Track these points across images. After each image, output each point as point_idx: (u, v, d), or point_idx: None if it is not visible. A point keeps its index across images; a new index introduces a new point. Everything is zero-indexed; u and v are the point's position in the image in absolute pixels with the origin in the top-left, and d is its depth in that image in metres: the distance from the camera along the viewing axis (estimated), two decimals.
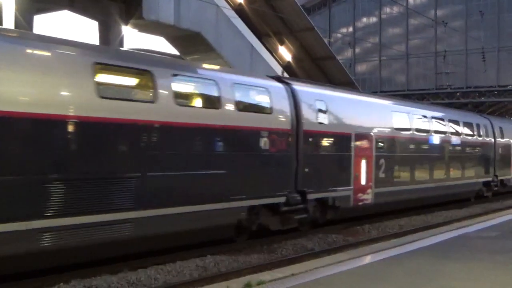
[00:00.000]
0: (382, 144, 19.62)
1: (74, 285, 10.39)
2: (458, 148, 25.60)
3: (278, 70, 30.24)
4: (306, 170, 15.72)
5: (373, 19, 64.05)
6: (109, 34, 22.03)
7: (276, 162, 14.87)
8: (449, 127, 24.96)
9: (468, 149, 26.38)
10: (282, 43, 29.58)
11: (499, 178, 29.46)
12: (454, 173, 24.99)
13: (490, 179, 28.36)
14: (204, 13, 23.39)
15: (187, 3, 22.41)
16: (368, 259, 11.04)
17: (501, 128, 30.11)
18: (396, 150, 20.66)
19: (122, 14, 21.62)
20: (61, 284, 10.38)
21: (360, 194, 18.21)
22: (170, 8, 21.74)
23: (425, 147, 22.92)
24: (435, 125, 23.92)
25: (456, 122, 25.80)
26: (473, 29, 56.77)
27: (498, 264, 10.18)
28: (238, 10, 27.17)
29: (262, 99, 15.08)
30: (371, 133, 18.99)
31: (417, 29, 60.63)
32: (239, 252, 13.83)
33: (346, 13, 63.82)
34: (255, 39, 28.34)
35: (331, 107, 17.14)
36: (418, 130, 22.22)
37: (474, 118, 28.33)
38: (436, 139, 23.69)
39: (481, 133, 27.72)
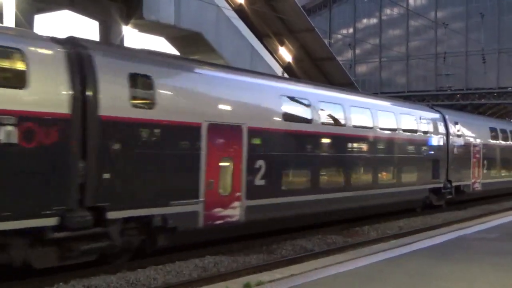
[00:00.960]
0: (260, 140, 14.74)
1: (73, 284, 10.41)
2: (392, 147, 20.72)
3: (279, 70, 30.26)
4: (106, 176, 11.02)
5: (374, 20, 64.07)
6: (109, 34, 22.04)
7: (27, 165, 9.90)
8: (379, 120, 19.88)
9: (408, 149, 21.76)
10: (282, 44, 29.60)
11: (454, 183, 24.76)
12: (385, 178, 20.51)
13: (440, 185, 23.82)
14: (204, 14, 23.41)
15: (187, 4, 22.42)
16: (367, 260, 11.04)
17: (457, 123, 25.76)
18: (287, 148, 15.77)
19: (122, 14, 21.64)
20: (61, 283, 10.40)
21: (218, 209, 13.40)
22: (170, 9, 21.75)
23: (337, 144, 17.91)
24: (356, 116, 18.77)
25: (390, 114, 21.04)
26: (474, 30, 56.78)
27: (496, 266, 10.19)
28: (239, 10, 27.19)
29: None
30: (241, 125, 14.07)
31: (418, 31, 60.68)
32: (239, 253, 13.84)
33: (346, 14, 63.85)
34: (256, 40, 28.35)
35: (161, 84, 12.37)
36: (326, 122, 17.55)
37: (418, 110, 23.54)
38: (356, 135, 18.77)
39: (428, 129, 23.16)
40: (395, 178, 20.98)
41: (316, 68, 30.87)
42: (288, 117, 15.80)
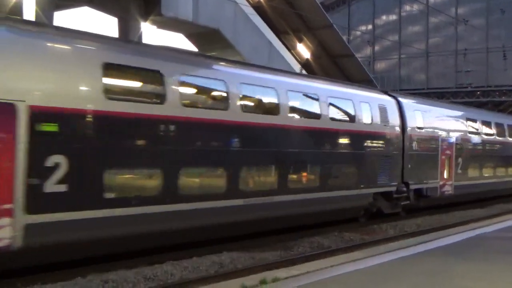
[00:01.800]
0: (56, 127, 10.14)
1: (91, 279, 10.50)
2: (312, 140, 16.14)
3: (297, 67, 30.22)
4: None
5: (393, 17, 63.65)
6: (128, 31, 22.16)
7: None
8: (288, 103, 15.22)
9: (338, 143, 17.22)
10: (300, 41, 29.54)
11: (413, 186, 20.40)
12: (300, 181, 15.86)
13: (391, 188, 19.45)
14: (222, 10, 23.44)
15: (205, 0, 22.47)
16: (384, 258, 10.99)
17: (417, 113, 21.27)
18: (108, 138, 11.10)
19: (141, 10, 21.73)
20: (79, 278, 10.50)
21: None
22: (188, 5, 21.82)
23: (207, 134, 13.00)
24: (261, 100, 15.00)
25: (313, 97, 16.34)
26: (494, 27, 56.17)
27: None
28: (257, 7, 27.19)
29: None
30: (15, 102, 9.58)
31: (438, 27, 60.16)
32: (255, 249, 13.86)
33: (365, 11, 63.46)
34: (274, 36, 28.33)
35: None
36: (210, 105, 13.54)
37: (357, 93, 18.59)
38: (245, 123, 13.83)
39: (373, 118, 18.44)
40: (316, 181, 16.17)
41: (335, 65, 30.77)
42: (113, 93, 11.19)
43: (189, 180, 12.66)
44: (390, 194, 19.40)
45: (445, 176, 22.57)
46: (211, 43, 24.08)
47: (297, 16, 27.87)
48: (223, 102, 13.41)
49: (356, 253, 12.59)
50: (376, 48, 63.21)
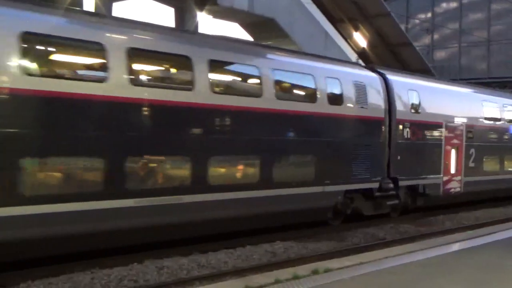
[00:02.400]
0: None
1: (147, 265, 10.75)
2: (255, 124, 13.14)
3: (353, 56, 29.90)
4: None
5: (453, 4, 62.03)
6: (184, 21, 22.38)
7: None
8: (215, 76, 12.62)
9: (290, 128, 14.02)
10: (356, 29, 29.15)
11: (403, 182, 17.05)
12: (237, 175, 13.06)
13: (373, 185, 16.07)
14: None
15: None
16: (439, 251, 10.81)
17: (412, 94, 17.80)
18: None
19: (197, 0, 21.90)
20: (135, 263, 10.76)
21: None
22: None
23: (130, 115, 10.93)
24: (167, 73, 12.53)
25: (251, 71, 13.52)
26: None
27: None
28: None
29: None
30: None
31: (500, 14, 58.30)
32: (309, 239, 13.87)
33: None
34: (329, 25, 28.07)
35: None
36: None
37: (323, 69, 15.07)
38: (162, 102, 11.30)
39: (346, 99, 15.21)
40: (253, 176, 13.13)
41: (392, 54, 30.26)
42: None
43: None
44: (371, 192, 16.04)
45: (452, 170, 19.16)
46: (267, 32, 24.04)
47: (353, 4, 27.51)
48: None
49: (411, 245, 12.43)
50: (435, 36, 61.82)
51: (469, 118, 20.33)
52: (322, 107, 14.60)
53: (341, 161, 15.14)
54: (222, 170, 12.74)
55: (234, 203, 12.53)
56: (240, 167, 13.21)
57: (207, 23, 24.11)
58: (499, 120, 22.50)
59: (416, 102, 17.88)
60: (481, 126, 21.28)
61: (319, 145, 14.60)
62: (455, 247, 11.30)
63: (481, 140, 21.02)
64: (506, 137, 22.96)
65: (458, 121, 19.72)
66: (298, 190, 13.94)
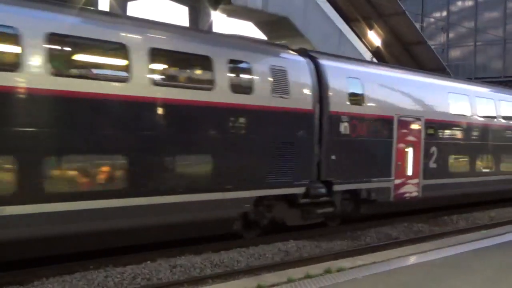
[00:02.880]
0: None
1: (160, 263, 10.79)
2: (117, 116, 10.71)
3: (367, 55, 29.79)
4: None
5: (469, 3, 61.63)
6: (198, 20, 22.42)
7: None
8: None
9: (173, 121, 11.43)
10: (371, 28, 29.03)
11: (339, 187, 14.52)
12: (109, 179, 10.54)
13: (297, 190, 13.48)
14: None
15: None
16: (453, 251, 10.77)
17: (353, 82, 15.25)
18: None
19: None
20: (148, 262, 10.81)
21: None
22: None
23: None
24: None
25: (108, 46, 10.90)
26: None
27: None
28: None
29: None
30: None
31: None
32: (322, 238, 13.85)
33: None
34: (344, 24, 27.97)
35: None
36: None
37: (224, 51, 12.48)
38: None
39: (258, 87, 12.73)
40: (127, 180, 10.65)
41: (406, 52, 30.11)
42: None
43: None
44: (294, 199, 13.58)
45: (406, 172, 16.62)
46: (281, 31, 24.02)
47: (367, 2, 27.41)
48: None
49: (425, 244, 12.39)
50: (451, 35, 61.47)
51: (430, 112, 17.63)
52: (221, 96, 11.95)
53: (250, 162, 12.45)
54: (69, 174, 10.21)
55: (79, 216, 9.96)
56: (103, 169, 10.56)
57: (221, 22, 24.14)
58: (470, 114, 19.59)
59: (358, 91, 15.28)
60: (446, 121, 18.39)
61: (216, 142, 12.01)
62: (469, 247, 11.22)
63: (446, 137, 18.40)
64: (477, 133, 19.98)
65: (415, 114, 17.01)
66: (185, 198, 11.29)
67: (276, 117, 13.06)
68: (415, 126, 17.00)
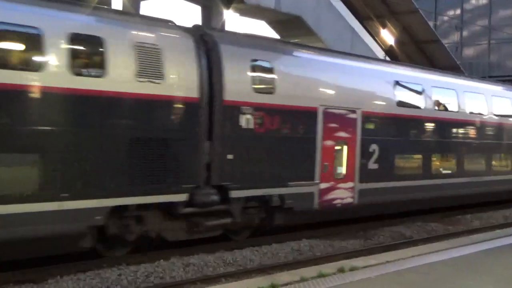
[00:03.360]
0: None
1: (173, 262, 10.82)
2: None
3: (380, 53, 29.69)
4: None
5: (483, 1, 61.22)
6: (211, 19, 22.45)
7: None
8: None
9: None
10: (384, 26, 28.92)
11: (240, 193, 12.02)
12: None
13: (176, 198, 11.03)
14: None
15: None
16: (467, 250, 10.72)
17: (260, 66, 12.77)
18: None
19: None
20: (161, 260, 10.84)
21: None
22: None
23: None
24: None
25: None
26: None
27: None
28: None
29: None
30: None
31: None
32: (335, 237, 13.82)
33: None
34: (356, 23, 27.89)
35: None
36: None
37: (74, 23, 10.07)
38: None
39: (124, 69, 10.40)
40: None
41: (420, 51, 29.97)
42: None
43: None
44: (175, 208, 11.13)
45: (336, 174, 14.05)
46: (293, 30, 24.00)
47: (381, 1, 27.33)
48: None
49: (439, 244, 12.33)
50: (464, 33, 61.09)
51: (369, 103, 15.01)
52: (55, 79, 9.53)
53: (100, 164, 10.02)
54: None
55: None
56: None
57: (234, 21, 24.14)
58: (424, 107, 16.90)
59: (267, 77, 12.76)
60: (392, 114, 15.73)
61: (45, 137, 9.47)
62: (483, 246, 11.17)
63: (392, 134, 15.67)
64: (433, 129, 17.22)
65: (348, 106, 14.34)
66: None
67: (142, 106, 10.58)
68: (348, 120, 14.27)
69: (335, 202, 14.02)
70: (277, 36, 24.89)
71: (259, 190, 12.39)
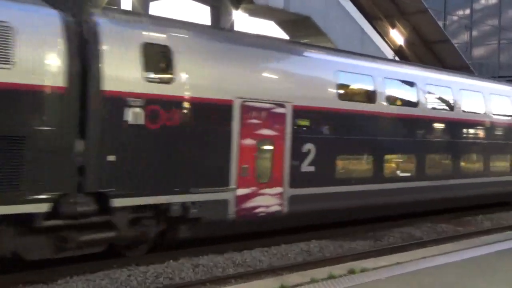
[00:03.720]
0: None
1: (182, 262, 10.81)
2: None
3: (390, 54, 29.59)
4: None
5: (492, 0, 60.95)
6: (220, 19, 22.45)
7: None
8: None
9: None
10: (393, 27, 28.83)
11: (124, 201, 10.10)
12: None
13: (33, 208, 9.08)
14: None
15: None
16: (478, 251, 10.64)
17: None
18: None
19: None
20: (170, 261, 10.83)
21: None
22: None
23: None
24: None
25: None
26: None
27: None
28: None
29: None
30: None
31: None
32: (344, 238, 13.77)
33: None
34: (366, 23, 27.81)
35: None
36: None
37: None
38: None
39: None
40: None
41: (429, 51, 29.85)
42: None
43: None
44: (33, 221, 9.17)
45: (259, 178, 12.08)
46: (302, 30, 23.95)
47: (390, 1, 27.24)
48: None
49: (449, 245, 12.24)
50: (474, 33, 60.82)
51: (302, 96, 12.94)
52: None
53: None
54: None
55: None
56: None
57: (243, 22, 24.11)
58: (376, 101, 14.78)
59: (163, 65, 10.97)
60: (333, 109, 13.62)
61: None
62: (495, 248, 11.08)
63: (332, 131, 13.65)
64: (385, 126, 15.10)
65: (275, 99, 12.35)
66: None
67: None
68: (274, 116, 12.29)
69: (257, 210, 12.02)
70: (286, 37, 24.85)
71: (152, 198, 10.37)
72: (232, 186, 11.55)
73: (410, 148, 15.93)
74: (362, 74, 14.80)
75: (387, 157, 15.24)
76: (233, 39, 12.82)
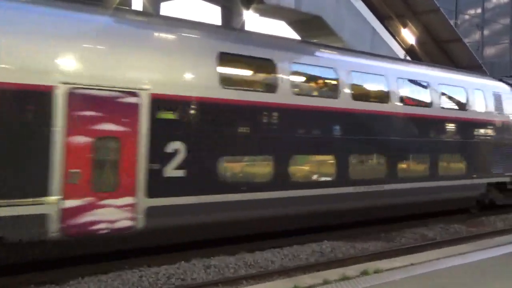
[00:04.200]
0: None
1: (194, 263, 10.77)
2: None
3: (401, 53, 29.44)
4: None
5: None
6: (231, 19, 22.40)
7: None
8: None
9: None
10: (405, 26, 28.67)
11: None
12: None
13: None
14: None
15: None
16: (492, 252, 10.53)
17: None
18: None
19: None
20: (182, 262, 10.79)
21: None
22: None
23: None
24: None
25: None
26: None
27: None
28: None
29: None
30: None
31: None
32: (356, 239, 13.67)
33: None
34: (377, 22, 27.68)
35: None
36: None
37: None
38: None
39: None
40: None
41: (441, 50, 29.67)
42: None
43: None
44: None
45: (98, 186, 9.56)
46: (313, 30, 23.85)
47: (401, 0, 27.09)
48: None
49: (464, 246, 12.13)
50: (486, 32, 60.47)
51: (167, 83, 10.45)
52: None
53: None
54: None
55: None
56: None
57: (254, 22, 24.04)
58: (277, 90, 12.12)
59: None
60: (212, 99, 11.02)
61: None
62: (509, 248, 10.95)
63: (211, 127, 10.99)
64: (294, 122, 12.44)
65: (121, 86, 9.85)
66: None
67: None
68: (122, 107, 9.81)
69: (96, 227, 9.49)
70: (297, 36, 24.75)
71: None
72: (54, 196, 9.01)
73: (314, 147, 12.96)
74: (259, 58, 12.11)
75: (296, 159, 12.55)
76: (54, 7, 9.74)
